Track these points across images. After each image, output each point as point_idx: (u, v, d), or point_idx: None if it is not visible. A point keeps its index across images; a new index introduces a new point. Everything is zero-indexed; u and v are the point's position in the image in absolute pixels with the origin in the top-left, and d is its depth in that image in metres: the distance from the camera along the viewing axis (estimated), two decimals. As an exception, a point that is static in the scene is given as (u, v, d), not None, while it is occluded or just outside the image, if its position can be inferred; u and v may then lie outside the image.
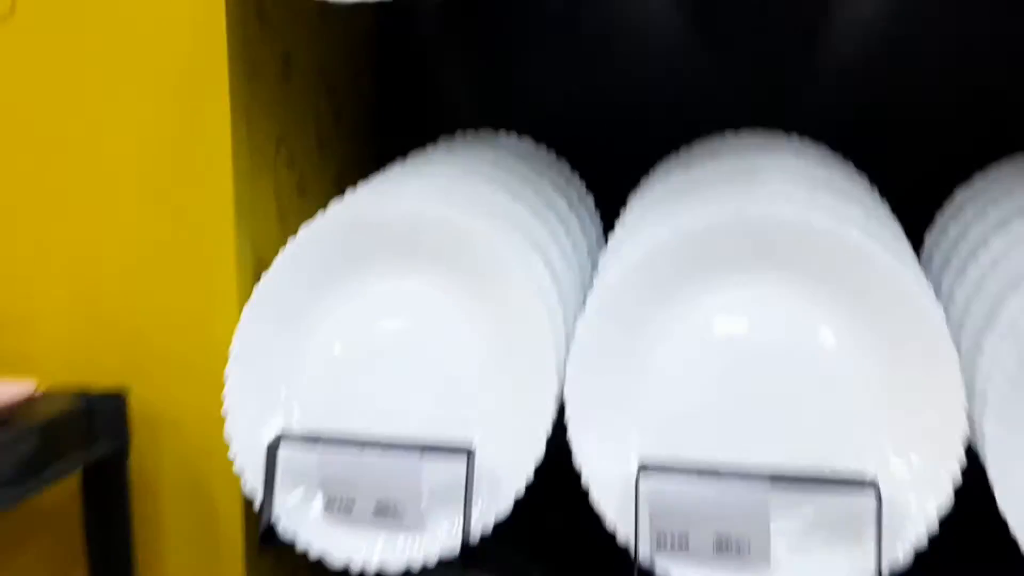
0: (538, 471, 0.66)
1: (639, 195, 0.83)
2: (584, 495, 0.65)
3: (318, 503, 0.69)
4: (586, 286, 0.78)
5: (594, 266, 0.80)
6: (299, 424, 0.71)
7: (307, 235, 0.71)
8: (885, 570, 0.59)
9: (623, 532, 0.64)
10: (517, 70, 1.04)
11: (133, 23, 0.75)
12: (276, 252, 0.73)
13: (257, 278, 0.74)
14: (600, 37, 0.99)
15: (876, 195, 0.81)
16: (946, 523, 0.61)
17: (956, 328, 0.65)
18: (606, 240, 0.83)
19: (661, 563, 0.62)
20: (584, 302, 0.68)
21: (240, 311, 0.73)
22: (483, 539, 0.67)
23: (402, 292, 0.71)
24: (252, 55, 0.78)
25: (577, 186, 0.91)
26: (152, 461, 0.79)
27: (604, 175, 0.94)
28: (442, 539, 0.67)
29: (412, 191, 0.74)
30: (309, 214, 0.73)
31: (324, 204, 0.75)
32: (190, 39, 0.74)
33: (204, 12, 0.74)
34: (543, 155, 0.93)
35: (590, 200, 0.92)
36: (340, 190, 0.81)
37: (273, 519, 0.68)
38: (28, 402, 0.72)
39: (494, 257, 0.68)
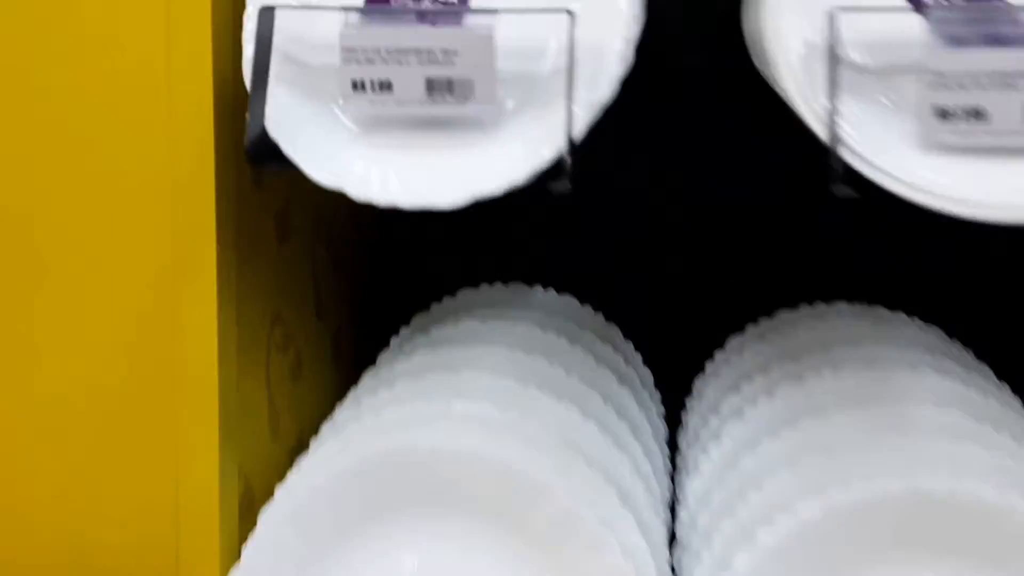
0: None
1: (724, 399, 0.67)
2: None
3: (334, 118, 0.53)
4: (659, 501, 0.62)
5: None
6: None
7: (305, 496, 0.54)
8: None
9: None
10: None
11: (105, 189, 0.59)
12: (267, 474, 0.60)
13: (245, 513, 0.58)
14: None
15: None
16: None
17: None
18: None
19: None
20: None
21: (224, 560, 0.56)
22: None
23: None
24: (245, 222, 0.61)
25: (637, 365, 0.75)
26: None
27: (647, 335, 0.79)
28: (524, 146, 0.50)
29: (455, 423, 0.57)
30: (306, 407, 0.65)
31: (322, 391, 0.67)
32: (171, 212, 0.57)
33: (191, 174, 0.57)
34: (588, 317, 0.77)
35: (649, 378, 0.76)
36: (339, 366, 0.72)
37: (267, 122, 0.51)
38: None
39: (568, 515, 0.52)
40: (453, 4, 0.52)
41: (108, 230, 0.59)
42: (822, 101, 0.47)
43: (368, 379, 0.68)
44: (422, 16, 0.49)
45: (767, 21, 0.49)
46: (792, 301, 0.78)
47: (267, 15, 0.50)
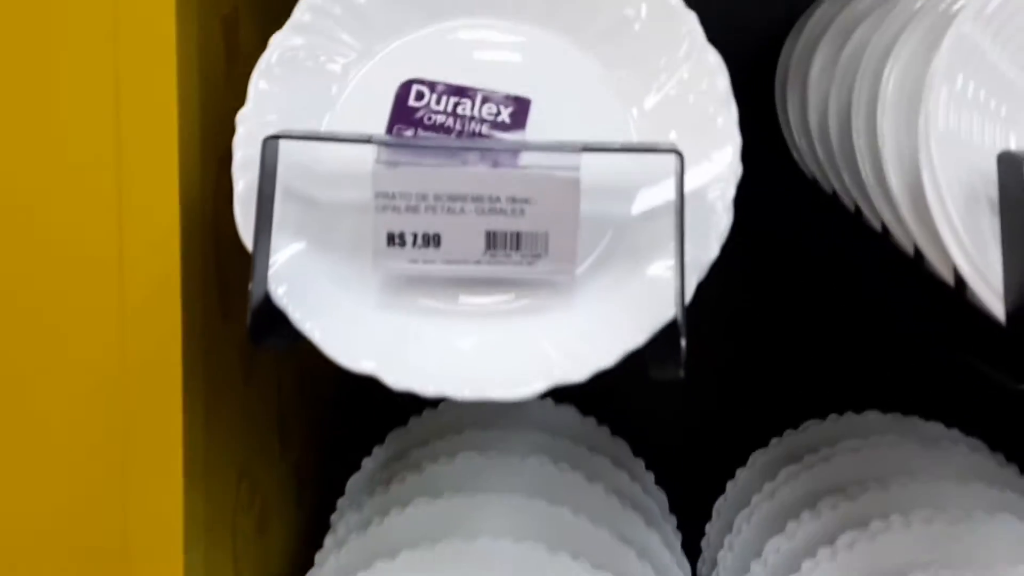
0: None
1: (767, 539, 0.59)
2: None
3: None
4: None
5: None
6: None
7: None
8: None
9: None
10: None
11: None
12: None
13: None
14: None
15: None
16: None
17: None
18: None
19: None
20: None
21: None
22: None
23: None
24: (212, 362, 0.48)
25: (653, 491, 0.66)
26: None
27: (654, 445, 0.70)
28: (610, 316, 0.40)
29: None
30: (272, 558, 0.57)
31: (288, 535, 0.59)
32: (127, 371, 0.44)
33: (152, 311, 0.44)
34: (595, 435, 0.67)
35: (665, 503, 0.67)
36: (303, 501, 0.63)
37: (270, 284, 0.39)
38: None
39: None
40: (510, 122, 0.41)
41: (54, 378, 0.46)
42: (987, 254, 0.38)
43: (355, 539, 0.56)
44: (483, 154, 0.38)
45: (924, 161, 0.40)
46: (812, 405, 0.71)
47: (272, 146, 0.38)
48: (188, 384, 0.46)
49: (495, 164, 0.38)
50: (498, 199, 0.38)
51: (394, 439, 0.67)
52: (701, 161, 0.40)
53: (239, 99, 0.44)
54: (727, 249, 0.41)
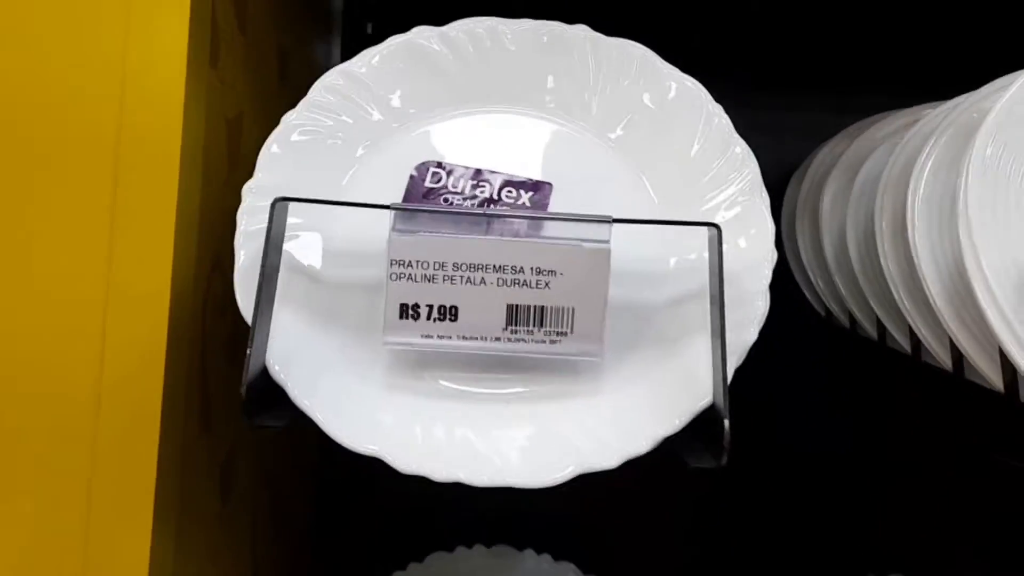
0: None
1: None
2: None
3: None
4: None
5: None
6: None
7: None
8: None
9: None
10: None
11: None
12: None
13: None
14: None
15: None
16: None
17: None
18: None
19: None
20: None
21: None
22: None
23: None
24: (190, 475, 0.44)
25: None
26: None
27: None
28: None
29: None
30: None
31: None
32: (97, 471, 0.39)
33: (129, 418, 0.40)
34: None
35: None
36: None
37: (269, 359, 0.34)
38: None
39: None
40: (522, 193, 0.39)
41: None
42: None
43: None
44: (506, 224, 0.36)
45: (967, 251, 0.38)
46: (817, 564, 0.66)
47: (281, 209, 0.35)
48: (161, 497, 0.41)
49: (518, 235, 0.36)
50: (521, 270, 0.35)
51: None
52: (737, 244, 0.37)
53: (238, 201, 0.42)
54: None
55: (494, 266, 0.35)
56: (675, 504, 0.70)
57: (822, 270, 0.58)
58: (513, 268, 0.35)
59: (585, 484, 0.49)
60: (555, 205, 0.40)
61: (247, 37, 0.55)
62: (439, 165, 0.40)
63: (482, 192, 0.40)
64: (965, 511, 0.65)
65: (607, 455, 0.34)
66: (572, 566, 0.63)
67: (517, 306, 0.35)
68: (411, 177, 0.40)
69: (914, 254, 0.43)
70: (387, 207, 0.36)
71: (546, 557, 0.63)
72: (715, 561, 0.70)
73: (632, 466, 0.37)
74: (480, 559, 0.62)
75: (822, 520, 0.69)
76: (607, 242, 0.35)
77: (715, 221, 0.37)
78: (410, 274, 0.35)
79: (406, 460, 0.33)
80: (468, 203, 0.40)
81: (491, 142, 0.41)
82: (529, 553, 0.63)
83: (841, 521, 0.69)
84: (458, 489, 0.53)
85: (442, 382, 0.36)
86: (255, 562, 0.56)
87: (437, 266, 0.35)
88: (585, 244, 0.35)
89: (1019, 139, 0.41)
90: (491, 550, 0.63)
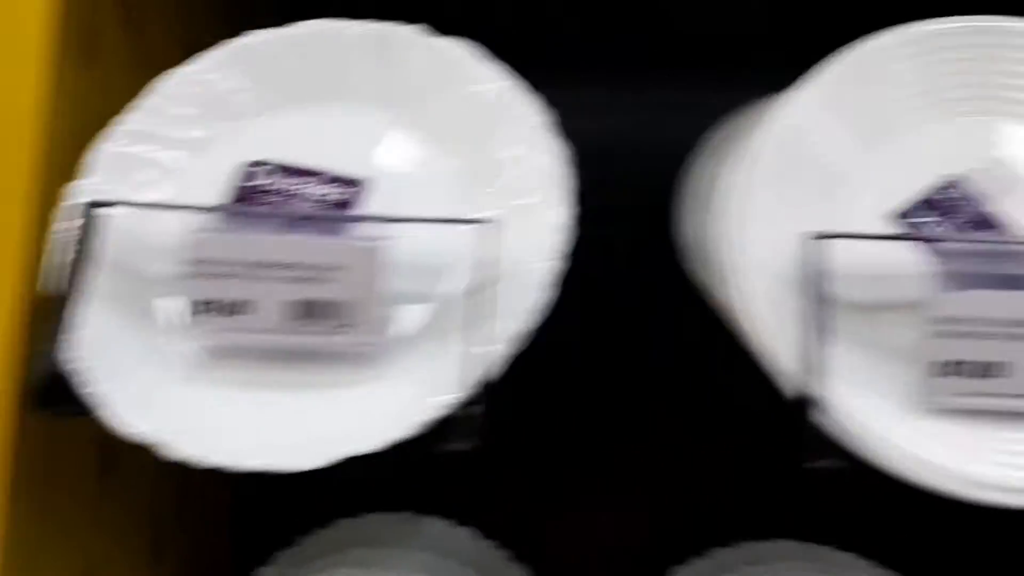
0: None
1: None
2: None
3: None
4: None
5: None
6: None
7: None
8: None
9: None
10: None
11: None
12: None
13: None
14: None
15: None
16: None
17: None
18: None
19: None
20: None
21: None
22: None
23: None
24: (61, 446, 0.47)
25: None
26: None
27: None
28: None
29: None
30: None
31: None
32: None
33: None
34: (488, 558, 0.65)
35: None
36: None
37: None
38: None
39: None
40: (339, 204, 0.41)
41: None
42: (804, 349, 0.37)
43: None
44: (296, 223, 0.38)
45: (724, 244, 0.40)
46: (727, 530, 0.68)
47: (96, 213, 0.38)
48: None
49: (323, 233, 0.39)
50: (309, 267, 0.38)
51: (284, 562, 0.65)
52: (527, 236, 0.40)
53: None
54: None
55: (283, 263, 0.38)
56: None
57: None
58: (301, 266, 0.38)
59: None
60: (372, 202, 0.43)
61: (137, 33, 0.57)
62: (259, 164, 0.43)
63: (301, 191, 0.43)
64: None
65: (369, 441, 0.36)
66: (470, 531, 0.66)
67: (305, 301, 0.38)
68: (233, 178, 0.43)
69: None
70: (193, 208, 0.39)
71: (443, 522, 0.66)
72: (620, 532, 0.73)
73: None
74: (384, 524, 0.66)
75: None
76: (378, 240, 0.38)
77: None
78: (205, 272, 0.38)
79: (172, 448, 0.37)
80: (290, 202, 0.42)
81: (314, 140, 0.44)
82: (433, 520, 0.66)
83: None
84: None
85: (234, 374, 0.39)
86: (154, 543, 0.59)
87: (229, 264, 0.38)
88: (359, 242, 0.38)
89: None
90: (395, 516, 0.66)
